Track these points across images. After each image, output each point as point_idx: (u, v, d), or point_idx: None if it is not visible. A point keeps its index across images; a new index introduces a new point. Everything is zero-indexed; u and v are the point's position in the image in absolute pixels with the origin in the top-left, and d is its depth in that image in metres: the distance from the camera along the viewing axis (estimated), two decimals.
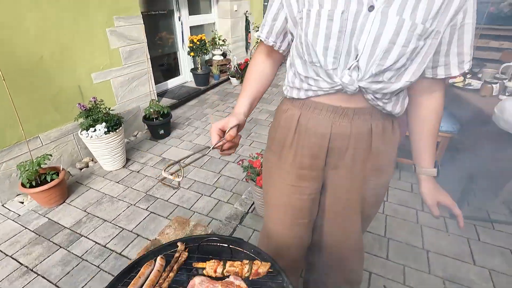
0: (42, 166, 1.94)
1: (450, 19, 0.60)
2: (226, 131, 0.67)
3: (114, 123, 2.34)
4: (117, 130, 2.31)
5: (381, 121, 0.72)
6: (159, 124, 2.87)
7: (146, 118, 2.88)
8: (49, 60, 2.16)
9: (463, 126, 1.85)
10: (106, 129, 2.25)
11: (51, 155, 2.01)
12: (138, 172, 2.44)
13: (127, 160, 2.58)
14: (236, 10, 4.63)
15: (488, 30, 3.66)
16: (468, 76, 2.08)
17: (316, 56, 0.64)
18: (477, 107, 1.66)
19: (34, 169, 1.88)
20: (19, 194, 2.14)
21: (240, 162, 1.93)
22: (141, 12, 2.87)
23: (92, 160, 2.56)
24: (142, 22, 2.88)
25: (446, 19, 0.59)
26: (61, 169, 2.05)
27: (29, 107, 2.09)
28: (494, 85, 1.67)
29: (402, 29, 0.56)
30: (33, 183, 1.93)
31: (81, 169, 2.47)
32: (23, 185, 1.91)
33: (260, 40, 0.79)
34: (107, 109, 2.35)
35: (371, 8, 0.57)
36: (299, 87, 0.74)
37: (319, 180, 0.82)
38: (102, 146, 2.26)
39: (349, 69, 0.63)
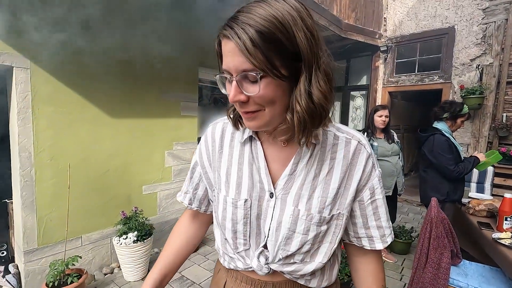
0: (69, 267, 2.10)
1: (352, 199, 0.61)
2: None
3: (145, 232, 2.52)
4: (145, 240, 2.45)
5: None
6: None
7: None
8: (113, 173, 2.65)
9: None
10: (135, 238, 2.42)
11: (80, 257, 2.19)
12: None
13: (148, 271, 2.59)
14: None
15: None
16: None
17: (227, 237, 0.66)
18: None
19: (60, 269, 2.04)
20: None
21: None
22: (198, 138, 3.46)
23: (119, 267, 2.66)
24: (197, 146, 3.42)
25: (347, 201, 0.61)
26: (84, 272, 2.17)
27: (81, 210, 2.45)
28: None
29: (299, 218, 0.59)
30: (55, 283, 2.05)
31: (105, 274, 2.56)
32: (46, 284, 2.05)
33: None
34: (144, 219, 2.59)
35: (271, 195, 0.61)
36: (223, 257, 0.73)
37: None
38: (128, 254, 2.39)
39: (258, 252, 0.63)
